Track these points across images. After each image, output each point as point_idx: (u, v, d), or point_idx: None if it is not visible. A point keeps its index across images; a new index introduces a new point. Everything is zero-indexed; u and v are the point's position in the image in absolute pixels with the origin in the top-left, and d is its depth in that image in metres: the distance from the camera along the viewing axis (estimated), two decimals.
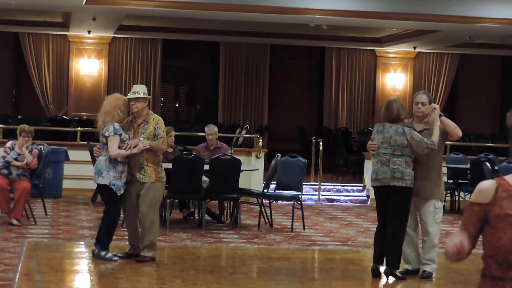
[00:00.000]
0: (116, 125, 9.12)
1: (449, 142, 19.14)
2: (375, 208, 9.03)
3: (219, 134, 13.75)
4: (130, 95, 9.33)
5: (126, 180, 9.19)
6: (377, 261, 8.77)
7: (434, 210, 8.82)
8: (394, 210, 8.62)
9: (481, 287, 3.34)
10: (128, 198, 9.26)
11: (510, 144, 3.43)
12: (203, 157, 12.27)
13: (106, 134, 9.10)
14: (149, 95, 9.70)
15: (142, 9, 16.11)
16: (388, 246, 8.64)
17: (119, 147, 9.11)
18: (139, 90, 9.37)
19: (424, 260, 8.93)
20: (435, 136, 8.65)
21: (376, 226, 8.97)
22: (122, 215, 9.55)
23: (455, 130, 8.87)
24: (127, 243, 9.57)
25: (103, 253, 9.21)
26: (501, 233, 3.23)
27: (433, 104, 8.93)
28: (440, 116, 8.84)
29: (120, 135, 9.11)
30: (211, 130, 13.08)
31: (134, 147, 9.12)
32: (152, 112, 9.53)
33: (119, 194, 9.12)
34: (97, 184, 9.25)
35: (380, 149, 8.67)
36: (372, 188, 9.04)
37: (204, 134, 13.44)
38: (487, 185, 3.34)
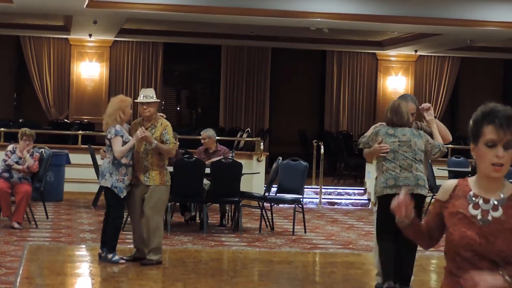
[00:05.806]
0: (118, 127, 9.13)
1: (450, 146, 19.23)
2: (380, 218, 7.90)
3: (220, 138, 13.73)
4: (142, 99, 9.28)
5: (130, 183, 9.19)
6: (394, 277, 7.83)
7: None
8: None
9: (443, 282, 3.46)
10: (133, 201, 9.26)
11: (471, 147, 3.58)
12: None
13: (109, 136, 9.13)
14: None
15: (143, 12, 16.11)
16: (405, 260, 7.90)
17: None
18: (151, 94, 9.33)
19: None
20: (439, 139, 8.16)
21: (380, 237, 7.97)
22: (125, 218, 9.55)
23: (447, 133, 8.44)
24: (130, 246, 9.56)
25: (110, 255, 9.20)
26: (451, 229, 3.39)
27: (426, 103, 8.45)
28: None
29: (122, 136, 9.11)
30: (205, 134, 13.07)
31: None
32: (160, 116, 9.46)
33: (122, 197, 9.13)
34: (100, 186, 9.29)
35: (397, 152, 7.87)
36: (370, 193, 8.35)
37: None
38: (448, 184, 3.54)
